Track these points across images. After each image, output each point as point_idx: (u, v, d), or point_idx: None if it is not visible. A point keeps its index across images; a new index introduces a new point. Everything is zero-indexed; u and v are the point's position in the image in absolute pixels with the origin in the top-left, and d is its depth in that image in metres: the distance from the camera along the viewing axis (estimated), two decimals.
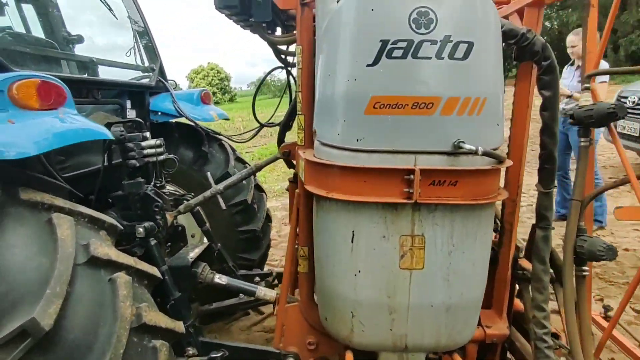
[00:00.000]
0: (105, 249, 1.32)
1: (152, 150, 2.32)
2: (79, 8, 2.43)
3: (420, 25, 1.25)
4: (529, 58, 1.53)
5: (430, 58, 1.26)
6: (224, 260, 2.73)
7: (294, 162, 2.10)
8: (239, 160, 3.18)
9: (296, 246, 1.91)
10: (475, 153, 1.25)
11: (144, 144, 2.26)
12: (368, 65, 1.29)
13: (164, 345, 1.36)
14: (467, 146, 1.25)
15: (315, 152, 1.53)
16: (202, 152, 2.97)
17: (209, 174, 2.78)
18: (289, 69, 2.28)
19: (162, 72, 2.88)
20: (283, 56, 2.15)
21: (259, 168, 2.29)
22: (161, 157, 2.32)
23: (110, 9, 2.48)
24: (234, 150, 3.10)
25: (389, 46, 1.26)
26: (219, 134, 2.88)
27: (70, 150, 1.94)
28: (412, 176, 1.31)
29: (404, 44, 1.26)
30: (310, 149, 1.72)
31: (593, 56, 1.46)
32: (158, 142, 2.30)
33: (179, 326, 1.50)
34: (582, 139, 1.43)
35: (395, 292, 1.45)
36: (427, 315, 1.48)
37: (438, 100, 1.28)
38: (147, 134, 2.36)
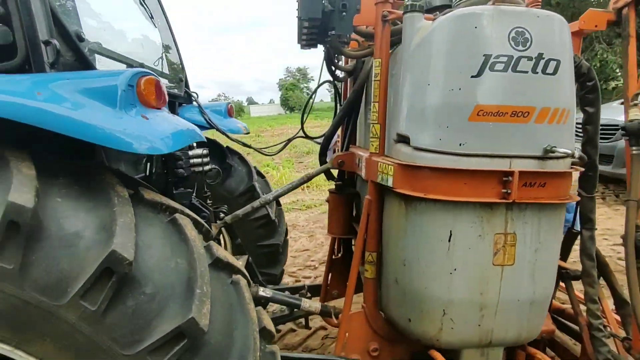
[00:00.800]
0: (222, 251, 1.28)
1: (199, 160, 2.28)
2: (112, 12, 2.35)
3: (518, 42, 1.41)
4: (575, 79, 1.76)
5: (527, 72, 1.42)
6: (254, 274, 2.67)
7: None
8: (259, 173, 3.17)
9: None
10: (571, 157, 1.41)
11: (191, 153, 2.21)
12: (472, 77, 1.42)
13: (277, 350, 1.33)
14: (562, 150, 1.41)
15: (402, 156, 1.62)
16: (226, 164, 2.93)
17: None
18: (336, 83, 2.38)
19: (186, 83, 2.83)
20: (334, 70, 2.24)
21: (310, 178, 2.32)
22: (207, 167, 2.27)
23: (151, 17, 2.43)
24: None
25: (491, 60, 1.41)
26: (250, 146, 2.86)
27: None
28: (510, 178, 1.44)
29: (504, 59, 1.41)
30: (384, 156, 1.81)
31: (634, 79, 1.72)
32: (205, 151, 2.26)
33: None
34: (634, 148, 1.65)
35: (487, 288, 1.54)
36: (513, 310, 1.58)
37: (533, 110, 1.43)
38: (194, 144, 2.31)
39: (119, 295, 0.98)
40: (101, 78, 1.18)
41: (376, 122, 1.80)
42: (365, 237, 1.88)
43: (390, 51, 1.79)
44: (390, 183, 1.63)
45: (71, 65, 1.34)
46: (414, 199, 1.56)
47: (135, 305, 0.99)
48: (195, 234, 1.20)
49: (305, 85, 55.00)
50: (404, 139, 1.62)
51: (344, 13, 1.69)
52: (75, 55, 1.36)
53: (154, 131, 1.15)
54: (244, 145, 2.85)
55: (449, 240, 1.51)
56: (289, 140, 2.80)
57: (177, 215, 1.20)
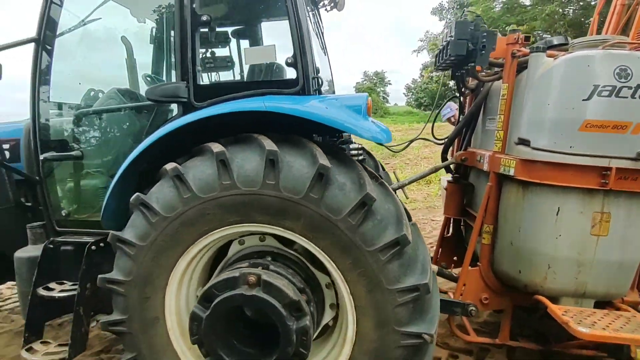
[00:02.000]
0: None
1: (355, 152, 3.11)
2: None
3: (621, 76, 2.00)
4: None
5: (627, 97, 2.00)
6: None
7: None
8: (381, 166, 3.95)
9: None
10: None
11: (351, 146, 3.05)
12: (583, 100, 2.05)
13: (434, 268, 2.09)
14: None
15: (523, 154, 2.27)
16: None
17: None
18: (461, 98, 3.08)
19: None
20: (463, 89, 2.95)
21: (437, 169, 3.05)
22: (360, 157, 3.10)
23: (322, 35, 3.31)
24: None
25: (599, 89, 2.02)
26: (381, 143, 3.66)
27: None
28: (608, 172, 2.03)
29: (609, 88, 2.01)
30: (505, 154, 2.47)
31: None
32: (360, 146, 3.09)
33: None
34: None
35: (584, 251, 2.14)
36: (604, 270, 2.16)
37: (630, 124, 2.01)
38: (352, 138, 3.16)
39: (366, 217, 1.81)
40: (352, 99, 2.04)
41: (501, 129, 2.47)
42: (484, 213, 2.55)
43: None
44: (511, 173, 2.30)
45: (317, 91, 2.25)
46: (530, 184, 2.22)
47: (373, 223, 1.81)
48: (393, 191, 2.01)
49: (382, 89, 55.06)
50: (524, 142, 2.28)
51: (483, 51, 2.39)
52: (316, 85, 2.26)
53: (376, 129, 1.99)
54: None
55: (557, 214, 2.15)
56: (411, 141, 3.54)
57: (383, 180, 2.02)
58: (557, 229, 2.16)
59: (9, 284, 4.34)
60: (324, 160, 1.80)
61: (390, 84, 57.83)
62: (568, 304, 2.27)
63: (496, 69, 2.70)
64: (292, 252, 2.10)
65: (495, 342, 2.72)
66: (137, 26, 3.43)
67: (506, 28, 23.01)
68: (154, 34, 3.49)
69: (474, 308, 2.57)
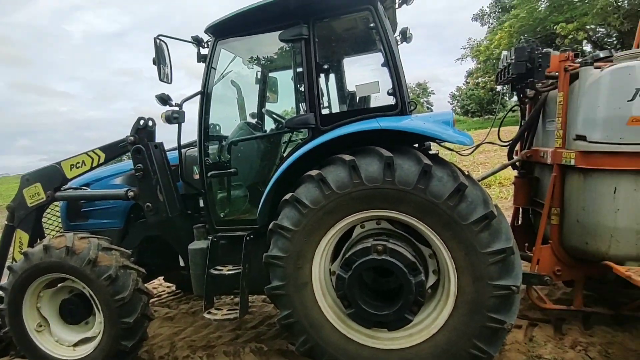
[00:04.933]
0: None
1: None
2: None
3: None
4: None
5: None
6: None
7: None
8: None
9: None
10: None
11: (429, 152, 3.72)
12: (628, 100, 2.60)
13: None
14: None
15: (580, 147, 2.83)
16: None
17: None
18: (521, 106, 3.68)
19: None
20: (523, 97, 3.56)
21: (506, 166, 3.64)
22: None
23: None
24: None
25: None
26: (450, 149, 4.30)
27: None
28: None
29: None
30: (564, 148, 3.02)
31: None
32: (437, 151, 3.76)
33: None
34: None
35: None
36: None
37: None
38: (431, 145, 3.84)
39: (461, 200, 2.48)
40: (442, 115, 2.77)
41: (560, 128, 3.04)
42: (552, 199, 3.11)
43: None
44: (573, 163, 2.87)
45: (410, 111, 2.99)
46: (590, 170, 2.77)
47: (466, 204, 2.48)
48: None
49: (426, 99, 54.73)
50: (581, 137, 2.85)
51: (540, 68, 3.01)
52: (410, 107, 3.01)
53: (463, 136, 2.68)
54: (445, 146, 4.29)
55: (614, 193, 2.68)
56: (478, 145, 4.14)
57: (469, 174, 2.69)
58: (616, 204, 2.69)
59: (156, 282, 5.43)
60: (426, 160, 2.52)
61: (433, 93, 57.34)
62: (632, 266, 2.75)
63: (551, 81, 3.29)
64: (401, 232, 2.81)
65: (570, 308, 3.21)
66: (247, 72, 4.42)
67: (555, 28, 22.55)
68: (258, 76, 4.47)
69: (549, 278, 3.11)
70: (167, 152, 3.84)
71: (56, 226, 4.34)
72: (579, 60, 2.98)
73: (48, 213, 4.22)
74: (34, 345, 3.33)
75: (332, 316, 2.83)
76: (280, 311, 2.92)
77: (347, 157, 2.64)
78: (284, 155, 3.56)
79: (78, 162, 3.77)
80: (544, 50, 3.06)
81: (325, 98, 3.74)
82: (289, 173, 2.98)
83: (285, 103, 4.70)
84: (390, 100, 2.94)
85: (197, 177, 3.58)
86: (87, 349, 3.31)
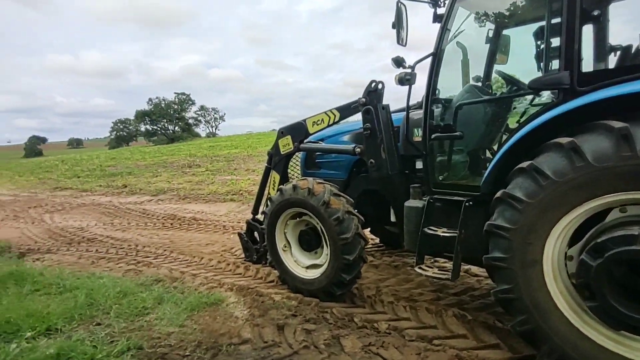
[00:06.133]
0: None
1: None
2: None
3: None
4: None
5: None
6: None
7: None
8: None
9: None
10: None
11: None
12: None
13: None
14: None
15: None
16: None
17: None
18: None
19: None
20: None
21: None
22: None
23: None
24: None
25: None
26: None
27: None
28: None
29: None
30: None
31: None
32: None
33: None
34: None
35: None
36: None
37: None
38: None
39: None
40: None
41: None
42: None
43: None
44: None
45: None
46: None
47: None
48: None
49: None
50: None
51: None
52: None
53: None
54: None
55: None
56: None
57: None
58: None
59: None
60: None
61: None
62: None
63: None
64: None
65: None
66: (477, 31, 4.13)
67: None
68: (489, 35, 4.10)
69: None
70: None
71: (295, 172, 5.34)
72: None
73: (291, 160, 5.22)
74: (280, 260, 4.30)
75: (562, 304, 2.52)
76: (497, 284, 2.79)
77: (618, 124, 2.18)
78: (520, 120, 3.24)
79: (318, 120, 4.47)
80: None
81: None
82: (526, 140, 2.71)
83: (514, 65, 4.23)
84: None
85: (417, 139, 3.69)
86: (316, 273, 4.05)
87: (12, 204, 13.52)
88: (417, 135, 3.71)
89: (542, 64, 3.15)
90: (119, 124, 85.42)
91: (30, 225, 9.46)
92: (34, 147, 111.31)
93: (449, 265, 4.25)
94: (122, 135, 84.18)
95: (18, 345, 3.03)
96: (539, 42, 3.41)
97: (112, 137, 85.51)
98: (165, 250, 6.43)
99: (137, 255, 6.19)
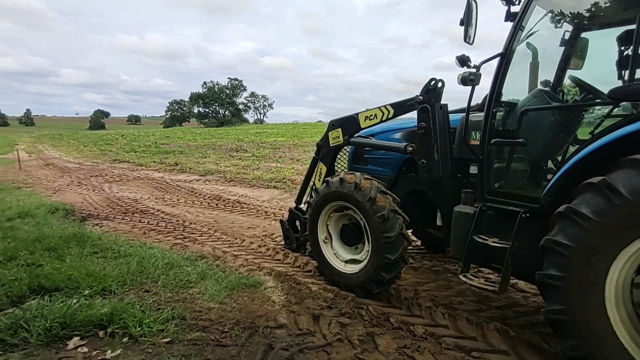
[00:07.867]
0: None
1: None
2: None
3: None
4: None
5: None
6: None
7: None
8: None
9: None
10: None
11: None
12: None
13: None
14: None
15: None
16: None
17: None
18: None
19: None
20: None
21: None
22: None
23: None
24: None
25: None
26: None
27: None
28: None
29: None
30: None
31: None
32: None
33: None
34: None
35: None
36: None
37: None
38: None
39: None
40: None
41: None
42: None
43: None
44: None
45: None
46: None
47: None
48: None
49: None
50: None
51: None
52: None
53: None
54: None
55: None
56: None
57: None
58: None
59: None
60: None
61: None
62: None
63: None
64: None
65: None
66: (551, 32, 3.85)
67: None
68: (565, 37, 3.82)
69: None
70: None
71: (342, 166, 5.33)
72: None
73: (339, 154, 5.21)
74: (320, 251, 4.33)
75: (623, 334, 2.32)
76: (549, 303, 2.62)
77: None
78: (594, 131, 3.00)
79: (371, 115, 4.41)
80: None
81: None
82: (597, 154, 2.51)
83: (589, 71, 3.90)
84: None
85: (475, 142, 3.53)
86: (355, 268, 4.04)
87: (77, 172, 14.72)
88: (475, 138, 3.55)
89: (624, 72, 2.88)
90: (174, 105, 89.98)
91: (91, 193, 10.24)
92: (98, 120, 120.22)
93: (494, 277, 4.08)
94: (177, 116, 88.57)
95: (78, 301, 3.31)
96: (622, 48, 3.12)
97: (167, 116, 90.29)
98: (209, 228, 6.70)
99: (184, 231, 6.50)
